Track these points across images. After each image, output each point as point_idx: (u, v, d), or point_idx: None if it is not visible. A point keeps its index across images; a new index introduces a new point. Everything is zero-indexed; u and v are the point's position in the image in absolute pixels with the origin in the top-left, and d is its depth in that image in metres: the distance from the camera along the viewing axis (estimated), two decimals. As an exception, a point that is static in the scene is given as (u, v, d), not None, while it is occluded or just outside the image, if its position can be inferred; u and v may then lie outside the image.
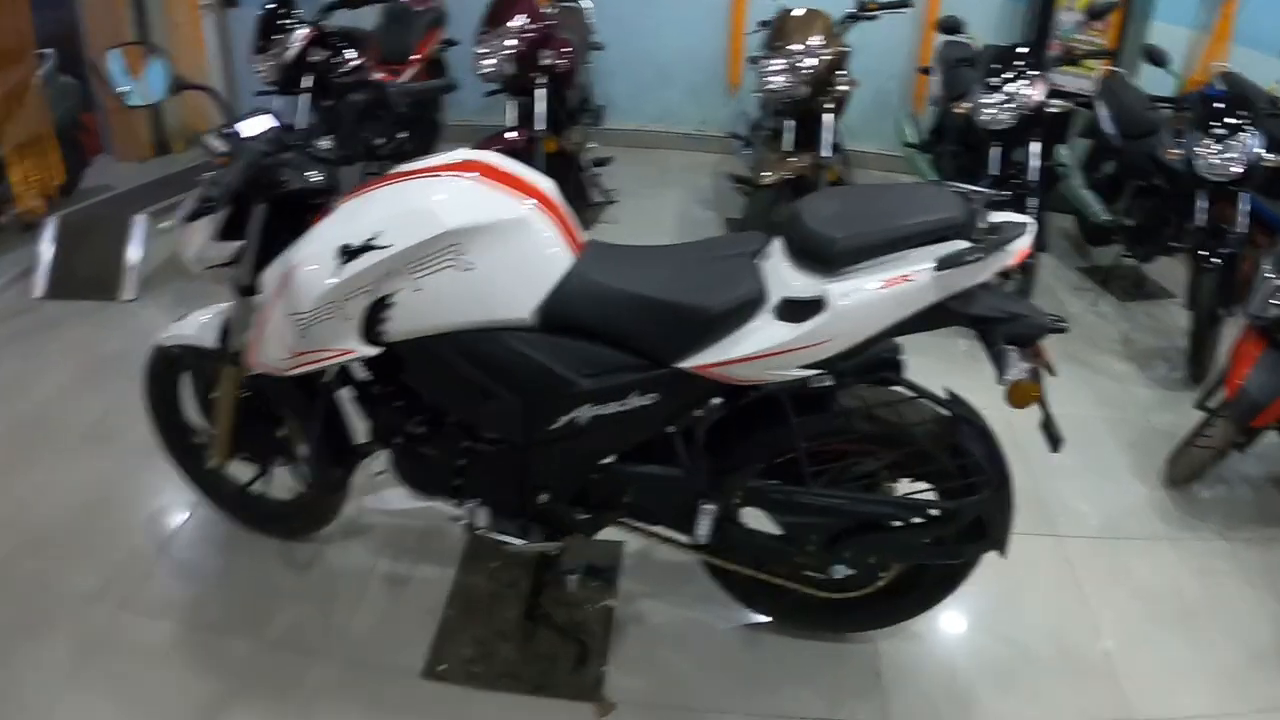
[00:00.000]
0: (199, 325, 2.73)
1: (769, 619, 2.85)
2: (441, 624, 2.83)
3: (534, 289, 2.16)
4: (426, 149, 5.91)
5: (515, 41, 4.71)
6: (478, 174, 2.20)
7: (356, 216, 2.17)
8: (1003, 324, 2.02)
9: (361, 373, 2.52)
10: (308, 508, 3.04)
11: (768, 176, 4.35)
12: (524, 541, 2.55)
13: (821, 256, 2.04)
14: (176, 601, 2.95)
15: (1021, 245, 1.99)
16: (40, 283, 4.85)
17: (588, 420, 2.26)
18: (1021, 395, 1.99)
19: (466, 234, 2.08)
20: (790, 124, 4.58)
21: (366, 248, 2.10)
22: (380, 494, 2.68)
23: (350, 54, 5.08)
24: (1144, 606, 3.04)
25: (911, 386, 2.28)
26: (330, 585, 3.00)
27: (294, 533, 3.16)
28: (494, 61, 4.75)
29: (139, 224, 4.93)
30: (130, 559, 3.10)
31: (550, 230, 2.21)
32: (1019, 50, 4.62)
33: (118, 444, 3.62)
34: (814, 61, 4.40)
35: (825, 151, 4.47)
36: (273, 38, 4.93)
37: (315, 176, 2.36)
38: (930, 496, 2.39)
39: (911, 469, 2.40)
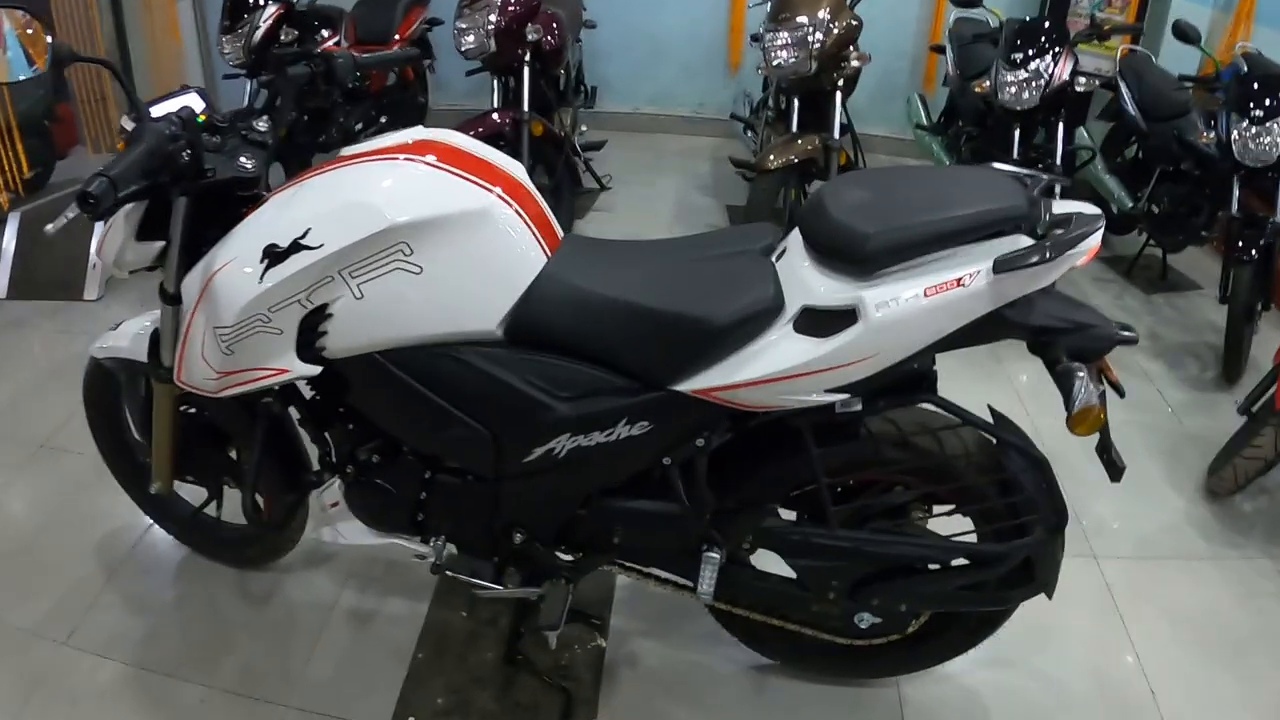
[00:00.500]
0: (132, 335, 2.42)
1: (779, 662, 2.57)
2: (411, 668, 2.56)
3: (500, 296, 1.88)
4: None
5: (497, 16, 4.43)
6: (433, 157, 1.90)
7: (285, 211, 1.88)
8: (1067, 336, 1.74)
9: (306, 391, 2.24)
10: (263, 536, 2.75)
11: (773, 160, 4.04)
12: (499, 587, 2.27)
13: (852, 255, 1.73)
14: (125, 636, 2.69)
15: (1093, 242, 1.68)
16: (1, 282, 4.63)
17: (567, 452, 1.96)
18: (1091, 422, 1.69)
19: (416, 230, 1.79)
20: (796, 104, 4.33)
21: (295, 248, 1.81)
22: (336, 526, 2.36)
23: (325, 34, 4.79)
24: (1187, 634, 2.78)
25: (949, 407, 1.93)
26: (289, 621, 2.74)
27: (249, 561, 2.89)
28: (475, 38, 4.48)
29: (105, 220, 4.59)
30: (77, 587, 2.86)
31: (518, 224, 1.91)
32: (1043, 25, 4.33)
33: (73, 457, 3.38)
34: (823, 36, 4.10)
35: (835, 133, 4.20)
36: (242, 16, 4.66)
37: (245, 163, 2.04)
38: (965, 532, 2.12)
39: (949, 501, 2.12)
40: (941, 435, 2.01)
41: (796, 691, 2.55)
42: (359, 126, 4.89)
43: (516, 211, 1.90)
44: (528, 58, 4.56)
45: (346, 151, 1.98)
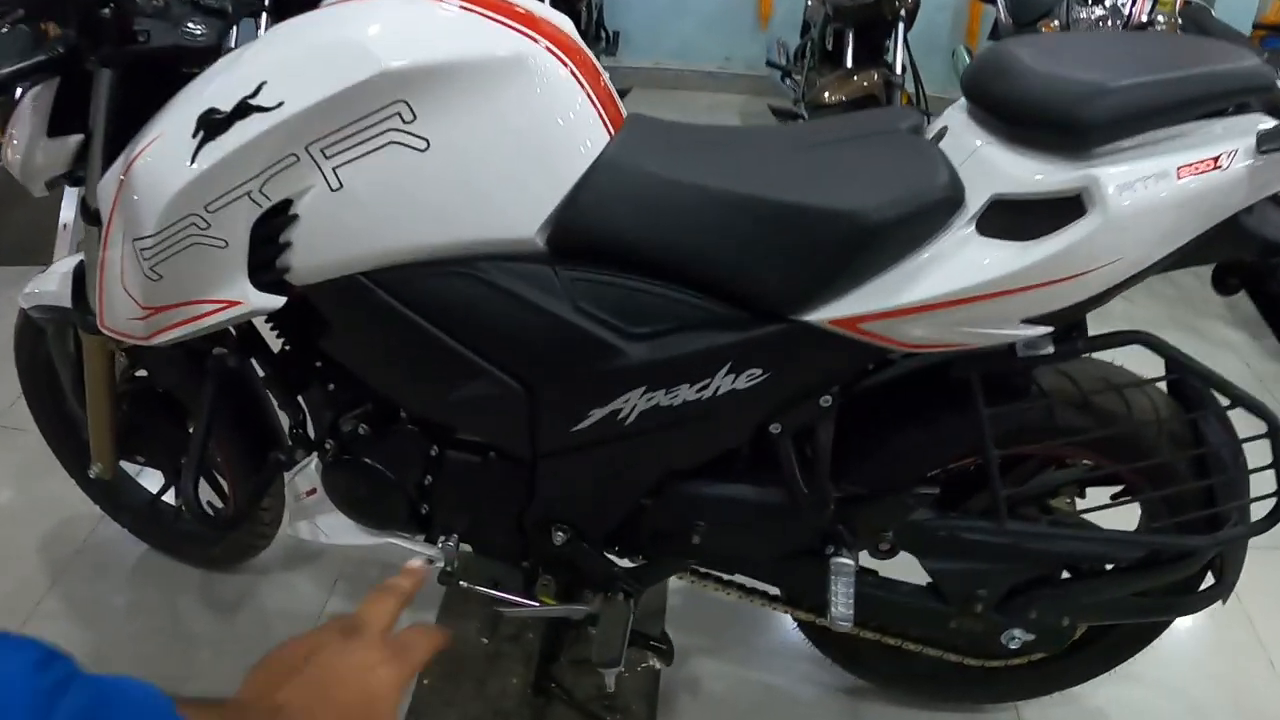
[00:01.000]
0: (60, 277, 1.89)
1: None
2: (416, 695, 2.07)
3: (542, 185, 1.33)
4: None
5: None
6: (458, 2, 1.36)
7: (234, 68, 1.36)
8: None
9: (271, 338, 1.71)
10: (226, 528, 2.25)
11: (829, 95, 3.58)
12: (532, 603, 1.75)
13: (1069, 122, 1.24)
14: (70, 649, 2.16)
15: None
16: None
17: (638, 415, 1.43)
18: None
19: (420, 82, 1.27)
20: (851, 36, 3.90)
21: (241, 111, 1.29)
22: (315, 520, 1.86)
23: None
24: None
25: (1167, 351, 1.48)
26: (263, 635, 2.26)
27: (216, 560, 2.42)
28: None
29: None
30: (18, 590, 2.43)
31: (570, 84, 1.35)
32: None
33: (26, 436, 2.89)
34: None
35: (898, 68, 3.72)
36: None
37: (192, 29, 1.51)
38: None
39: (1128, 481, 1.66)
40: (1129, 394, 1.52)
41: (895, 718, 2.13)
42: (218, 31, 4.38)
43: (569, 69, 1.36)
44: (551, -9, 4.04)
45: None
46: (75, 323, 1.79)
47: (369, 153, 1.28)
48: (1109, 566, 1.68)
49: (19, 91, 1.53)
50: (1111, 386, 1.52)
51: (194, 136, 1.31)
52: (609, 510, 1.63)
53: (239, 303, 1.40)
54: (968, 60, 4.91)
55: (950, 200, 1.29)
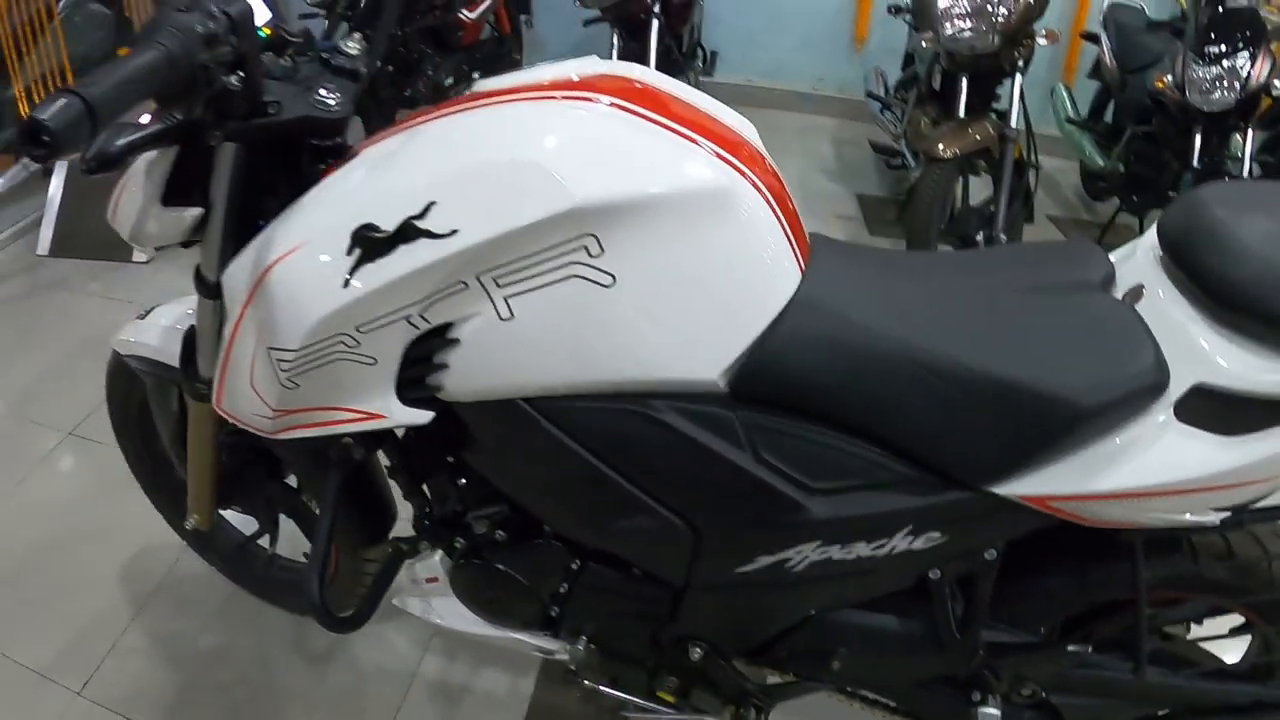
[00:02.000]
0: (162, 330, 1.83)
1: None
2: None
3: (732, 328, 1.24)
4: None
5: (626, -39, 3.88)
6: (625, 101, 1.26)
7: (389, 173, 1.26)
8: None
9: (400, 431, 1.62)
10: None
11: (944, 149, 3.43)
12: (667, 711, 1.67)
13: None
14: (150, 694, 2.19)
15: None
16: (45, 237, 4.21)
17: (808, 565, 1.36)
18: None
19: (612, 217, 1.17)
20: (965, 83, 3.74)
21: (407, 234, 1.20)
22: (429, 600, 1.77)
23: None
24: None
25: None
26: (355, 692, 2.20)
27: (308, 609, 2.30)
28: (599, -15, 3.93)
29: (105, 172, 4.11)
30: (97, 622, 2.37)
31: (769, 218, 1.26)
32: (1244, 14, 3.72)
33: (105, 451, 2.88)
34: (1007, 9, 3.51)
35: (1015, 120, 3.58)
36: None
37: (325, 97, 1.40)
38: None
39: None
40: (1266, 542, 1.46)
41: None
42: (449, 81, 4.36)
43: (766, 198, 1.26)
44: (656, 9, 4.05)
45: (482, 87, 1.36)
46: (182, 387, 1.72)
47: (547, 285, 1.20)
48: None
49: None
50: (1254, 540, 1.46)
51: (348, 254, 1.22)
52: (753, 636, 1.56)
53: (382, 416, 1.33)
54: (1066, 98, 4.80)
55: (1157, 386, 1.22)
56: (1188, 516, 1.25)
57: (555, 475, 1.37)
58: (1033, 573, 1.48)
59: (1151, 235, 1.38)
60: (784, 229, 1.27)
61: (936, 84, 4.18)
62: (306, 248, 1.26)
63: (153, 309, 1.90)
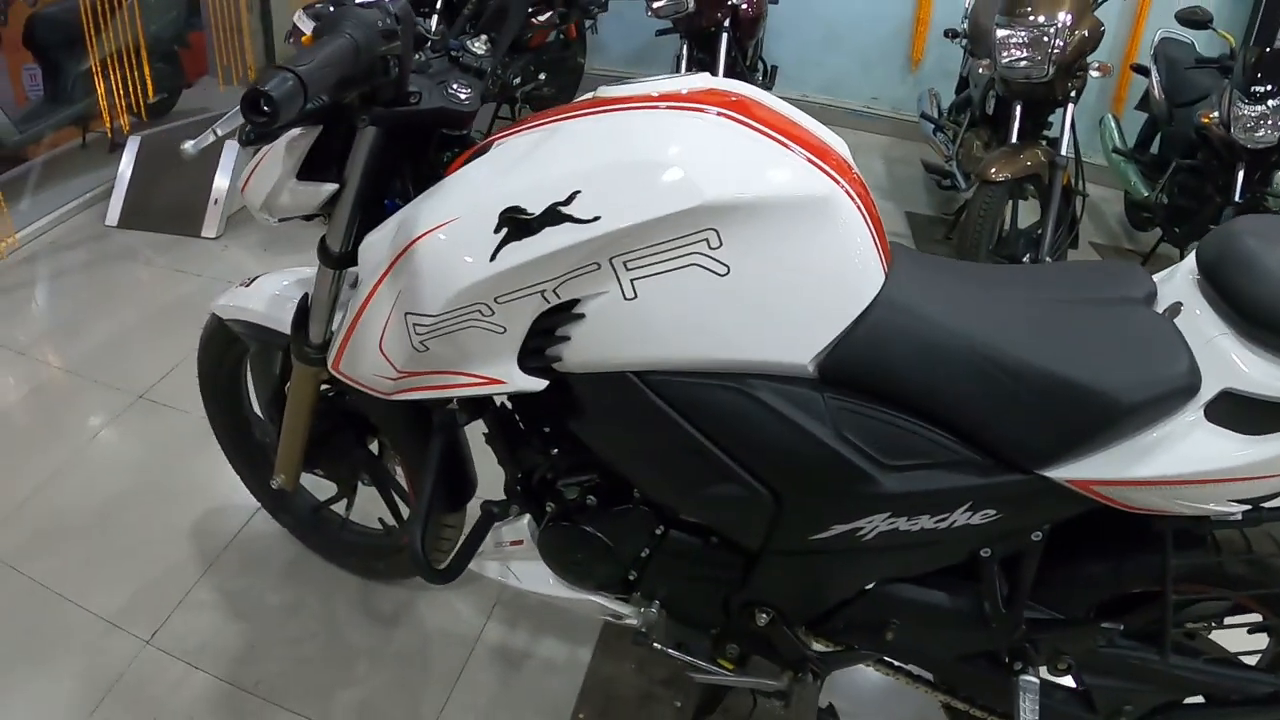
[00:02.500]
0: (269, 298, 1.96)
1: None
2: (569, 731, 2.12)
3: (824, 319, 1.38)
4: (568, 97, 5.26)
5: (701, -26, 3.98)
6: (732, 112, 1.39)
7: (534, 163, 1.39)
8: None
9: (506, 403, 1.74)
10: (399, 548, 2.28)
11: (996, 172, 3.52)
12: (720, 670, 1.78)
13: None
14: (219, 645, 2.29)
15: None
16: (115, 209, 4.33)
17: (876, 535, 1.48)
18: None
19: (732, 214, 1.30)
20: (1018, 110, 3.81)
21: (552, 217, 1.32)
22: (509, 564, 1.87)
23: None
24: None
25: None
26: (420, 653, 2.29)
27: (378, 573, 2.44)
28: (673, -5, 4.02)
29: (231, 151, 4.27)
30: (167, 575, 2.47)
31: (861, 225, 1.39)
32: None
33: (175, 414, 3.00)
34: (1063, 41, 3.59)
35: (1065, 149, 3.65)
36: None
37: (458, 92, 1.56)
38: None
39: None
40: None
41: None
42: (516, 80, 4.46)
43: (859, 207, 1.39)
44: (727, 23, 4.15)
45: (607, 92, 1.48)
46: (290, 351, 1.84)
47: (670, 270, 1.32)
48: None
49: None
50: (1276, 544, 1.58)
51: (495, 232, 1.34)
52: (817, 603, 1.68)
53: (501, 381, 1.45)
54: (1114, 128, 4.84)
55: (1190, 388, 1.36)
56: (1212, 506, 1.38)
57: (656, 443, 1.48)
58: (1072, 558, 1.61)
59: (1190, 260, 1.53)
60: (872, 234, 1.39)
61: (990, 108, 4.27)
62: (456, 224, 1.38)
63: (257, 277, 2.01)
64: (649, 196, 1.29)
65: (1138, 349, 1.40)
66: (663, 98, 1.42)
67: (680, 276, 1.32)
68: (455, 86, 1.56)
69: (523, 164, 1.39)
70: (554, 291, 1.36)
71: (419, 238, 1.40)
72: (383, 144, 1.53)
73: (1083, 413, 1.35)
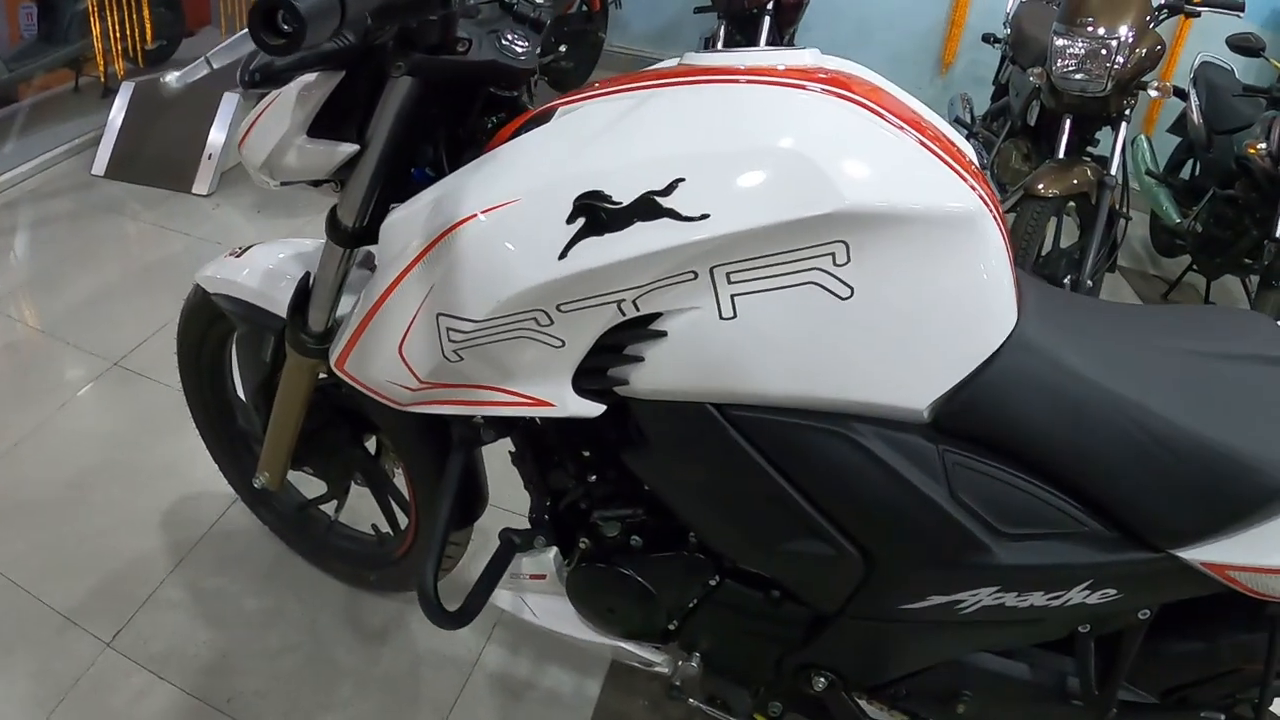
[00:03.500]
0: (262, 272, 1.70)
1: None
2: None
3: (948, 360, 1.16)
4: (585, 72, 5.09)
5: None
6: (852, 95, 1.15)
7: (624, 139, 1.14)
8: None
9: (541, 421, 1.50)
10: (392, 560, 2.06)
11: (1044, 187, 3.36)
12: None
13: None
14: (187, 652, 2.08)
15: None
16: (103, 157, 4.12)
17: (979, 609, 1.28)
18: None
19: (869, 225, 1.07)
20: (1068, 124, 3.61)
21: (646, 209, 1.08)
22: (524, 596, 1.65)
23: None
24: None
25: None
26: (411, 678, 2.07)
27: (367, 584, 2.22)
28: (716, -27, 3.88)
29: (230, 102, 4.05)
30: (131, 569, 2.26)
31: (1001, 250, 1.17)
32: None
33: (150, 386, 2.80)
34: (1123, 57, 3.40)
35: (1115, 169, 3.47)
36: None
37: (514, 44, 1.30)
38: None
39: None
40: None
41: None
42: (537, 51, 4.24)
43: (1001, 231, 1.18)
44: (770, 6, 3.99)
45: (695, 60, 1.24)
46: (286, 338, 1.61)
47: (781, 288, 1.10)
48: None
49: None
50: None
51: (569, 222, 1.11)
52: (888, 672, 1.48)
53: (550, 404, 1.23)
54: (1147, 150, 4.73)
55: None
56: None
57: (731, 488, 1.27)
58: (1167, 635, 1.42)
59: None
60: (1011, 264, 1.19)
61: (1032, 119, 4.09)
62: (514, 208, 1.14)
63: (250, 247, 1.77)
64: (774, 195, 1.06)
65: None
66: (761, 71, 1.18)
67: (793, 296, 1.10)
68: (511, 38, 1.31)
69: (606, 139, 1.15)
70: (634, 303, 1.13)
71: (463, 221, 1.16)
72: (418, 100, 1.26)
73: (1236, 490, 1.16)
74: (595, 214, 1.10)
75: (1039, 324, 1.21)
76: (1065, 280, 3.51)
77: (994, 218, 1.16)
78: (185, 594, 2.19)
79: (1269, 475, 1.15)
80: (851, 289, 1.09)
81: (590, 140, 1.16)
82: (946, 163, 1.14)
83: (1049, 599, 1.25)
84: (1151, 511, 1.20)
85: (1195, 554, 1.20)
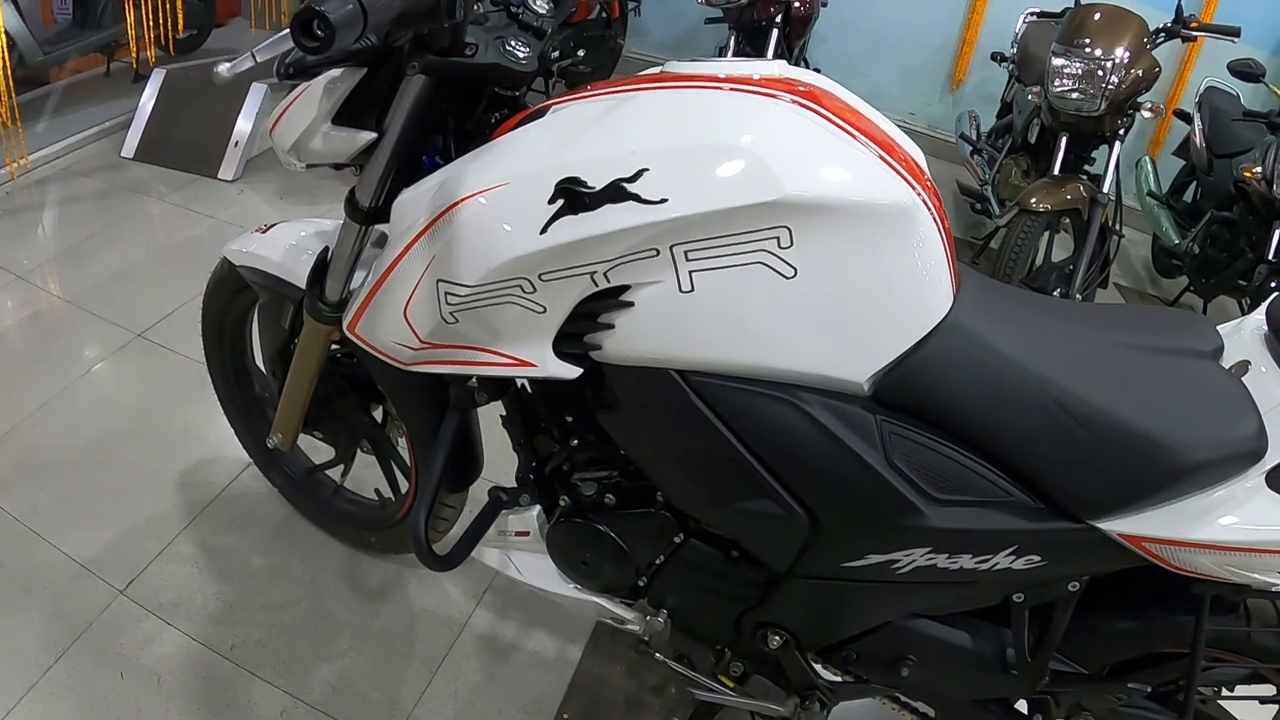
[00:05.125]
0: (285, 247, 1.86)
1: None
2: (553, 731, 2.01)
3: (886, 337, 1.29)
4: (603, 78, 5.18)
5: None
6: (803, 100, 1.28)
7: (602, 134, 1.29)
8: None
9: (528, 387, 1.64)
10: (392, 522, 2.18)
11: (1036, 202, 3.45)
12: (731, 693, 1.69)
13: None
14: (197, 603, 2.20)
15: None
16: (132, 141, 4.24)
17: (912, 569, 1.39)
18: None
19: (809, 214, 1.21)
20: (1064, 142, 3.71)
21: (615, 194, 1.23)
22: (510, 554, 1.78)
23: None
24: None
25: None
26: (405, 634, 2.20)
27: (368, 546, 2.34)
28: (726, -15, 3.95)
29: (257, 92, 4.18)
30: (149, 524, 2.38)
31: (937, 242, 1.30)
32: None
33: (172, 358, 2.92)
34: (1118, 78, 3.49)
35: (1108, 187, 3.58)
36: None
37: (516, 50, 1.46)
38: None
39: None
40: None
41: None
42: (555, 54, 4.38)
43: (937, 225, 1.30)
44: (779, 20, 4.09)
45: (675, 68, 1.38)
46: (304, 306, 1.74)
47: (733, 266, 1.23)
48: None
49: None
50: None
51: (550, 203, 1.25)
52: (836, 631, 1.59)
53: (532, 365, 1.36)
54: (1150, 172, 4.78)
55: (1256, 452, 1.29)
56: (1259, 576, 1.30)
57: (691, 448, 1.39)
58: (1100, 612, 1.53)
59: (1256, 317, 1.48)
60: (946, 252, 1.30)
61: (1032, 137, 4.19)
62: (505, 189, 1.29)
63: (275, 224, 1.92)
64: (724, 184, 1.20)
65: (1207, 406, 1.33)
66: (733, 80, 1.32)
67: (743, 274, 1.23)
68: (514, 44, 1.45)
69: (586, 133, 1.29)
70: (605, 275, 1.26)
71: (462, 200, 1.31)
72: (430, 96, 1.43)
73: (1146, 467, 1.27)
74: (573, 196, 1.24)
75: (973, 310, 1.32)
76: (1055, 294, 3.58)
77: (930, 213, 1.27)
78: (196, 550, 2.31)
79: (1181, 454, 1.25)
80: (795, 269, 1.22)
81: (574, 134, 1.30)
82: (887, 163, 1.26)
83: (977, 562, 1.36)
84: (1071, 483, 1.30)
85: (1112, 525, 1.30)
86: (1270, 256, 3.69)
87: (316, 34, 1.06)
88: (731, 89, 1.30)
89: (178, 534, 2.34)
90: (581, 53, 4.67)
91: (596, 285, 1.27)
